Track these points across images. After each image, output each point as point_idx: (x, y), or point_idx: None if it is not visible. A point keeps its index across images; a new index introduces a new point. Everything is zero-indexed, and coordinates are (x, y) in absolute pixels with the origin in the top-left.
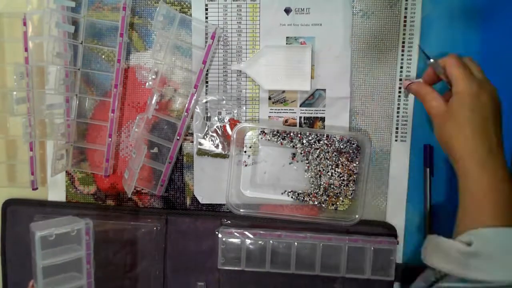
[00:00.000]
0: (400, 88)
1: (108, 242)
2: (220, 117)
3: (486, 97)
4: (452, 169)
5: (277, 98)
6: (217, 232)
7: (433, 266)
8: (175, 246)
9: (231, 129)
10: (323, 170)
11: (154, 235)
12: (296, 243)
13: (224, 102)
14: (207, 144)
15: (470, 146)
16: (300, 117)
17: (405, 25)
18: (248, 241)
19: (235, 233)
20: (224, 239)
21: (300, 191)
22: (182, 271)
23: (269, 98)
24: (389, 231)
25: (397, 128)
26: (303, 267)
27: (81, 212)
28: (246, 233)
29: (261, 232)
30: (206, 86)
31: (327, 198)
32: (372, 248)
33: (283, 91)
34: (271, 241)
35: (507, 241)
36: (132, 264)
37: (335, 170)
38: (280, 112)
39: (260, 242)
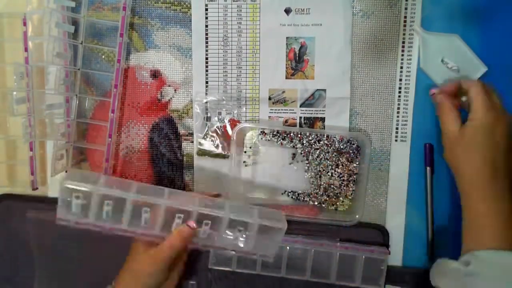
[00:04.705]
0: (400, 88)
1: (100, 239)
2: (220, 117)
3: (501, 129)
4: None
5: (277, 99)
6: None
7: (437, 287)
8: None
9: (231, 129)
10: (323, 170)
11: None
12: (288, 247)
13: (224, 102)
14: (207, 144)
15: (475, 172)
16: (300, 117)
17: (405, 25)
18: None
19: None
20: None
21: (300, 192)
22: None
23: (269, 99)
24: (383, 237)
25: (397, 128)
26: (293, 271)
27: None
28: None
29: None
30: (206, 86)
31: (327, 199)
32: (364, 257)
33: (283, 91)
34: None
35: (503, 263)
36: (123, 261)
37: (335, 170)
38: (280, 112)
39: None
